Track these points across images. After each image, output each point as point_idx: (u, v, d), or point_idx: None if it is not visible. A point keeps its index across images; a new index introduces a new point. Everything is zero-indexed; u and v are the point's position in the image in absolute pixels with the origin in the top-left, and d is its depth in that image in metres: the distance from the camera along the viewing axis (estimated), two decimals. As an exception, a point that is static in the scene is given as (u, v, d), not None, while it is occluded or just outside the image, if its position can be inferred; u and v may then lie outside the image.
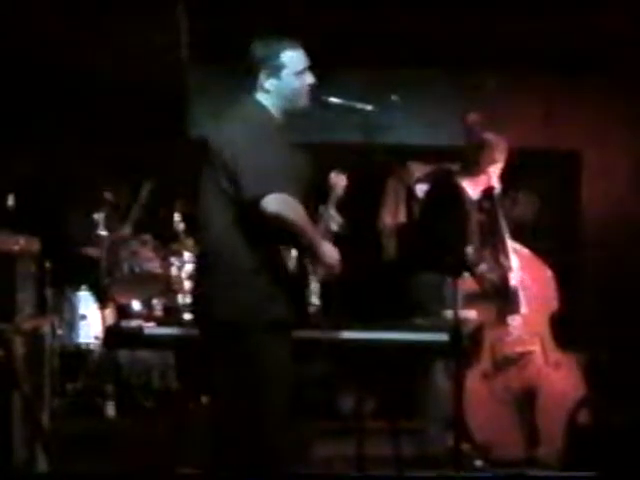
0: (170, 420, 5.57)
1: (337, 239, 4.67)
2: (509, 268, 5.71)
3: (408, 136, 7.45)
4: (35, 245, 5.09)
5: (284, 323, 4.02)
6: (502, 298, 5.69)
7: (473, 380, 5.55)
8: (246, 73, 4.13)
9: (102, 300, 6.44)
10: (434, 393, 5.70)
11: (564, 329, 5.84)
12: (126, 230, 6.60)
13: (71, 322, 6.47)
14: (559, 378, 5.66)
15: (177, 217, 6.41)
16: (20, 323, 4.83)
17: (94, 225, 6.51)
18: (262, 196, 3.89)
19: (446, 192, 5.85)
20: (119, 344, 5.91)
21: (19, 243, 4.91)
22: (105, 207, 6.54)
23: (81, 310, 6.52)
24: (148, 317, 6.20)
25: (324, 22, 6.84)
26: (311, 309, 4.19)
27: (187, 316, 5.47)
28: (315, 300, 4.19)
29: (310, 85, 4.13)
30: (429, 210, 5.87)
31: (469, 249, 5.64)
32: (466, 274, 5.48)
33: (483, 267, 5.71)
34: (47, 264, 5.88)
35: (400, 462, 5.14)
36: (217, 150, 4.04)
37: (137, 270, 6.52)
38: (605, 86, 7.84)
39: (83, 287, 6.55)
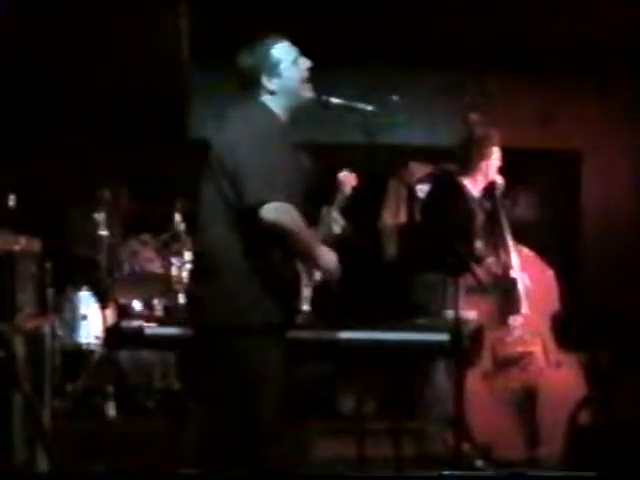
0: (171, 420, 5.58)
1: (339, 241, 4.66)
2: (510, 267, 5.71)
3: (409, 136, 7.45)
4: (36, 245, 5.09)
5: (276, 326, 4.02)
6: (503, 297, 5.69)
7: (474, 380, 5.55)
8: (245, 82, 4.12)
9: (103, 300, 6.45)
10: (435, 393, 5.69)
11: (564, 329, 5.84)
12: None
13: (72, 322, 6.47)
14: (560, 378, 5.66)
15: (177, 217, 6.41)
16: (21, 323, 4.83)
17: (95, 225, 6.52)
18: (261, 204, 3.89)
19: (448, 191, 5.85)
20: (120, 344, 5.91)
21: (20, 243, 4.91)
22: (105, 207, 6.54)
23: (82, 310, 6.52)
24: (149, 317, 6.19)
25: (324, 22, 6.84)
26: (304, 312, 4.17)
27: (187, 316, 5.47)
28: (307, 304, 4.17)
29: (308, 69, 4.13)
30: (431, 210, 5.87)
31: (478, 244, 5.64)
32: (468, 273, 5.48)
33: (489, 260, 5.70)
34: (48, 264, 5.89)
35: (400, 462, 5.14)
36: (218, 154, 4.03)
37: (138, 270, 6.53)
38: (605, 86, 7.85)
39: (84, 287, 6.56)
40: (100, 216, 6.52)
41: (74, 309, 6.50)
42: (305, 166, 4.19)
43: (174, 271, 6.29)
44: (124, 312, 6.46)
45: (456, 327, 4.63)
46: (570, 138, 7.92)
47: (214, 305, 4.04)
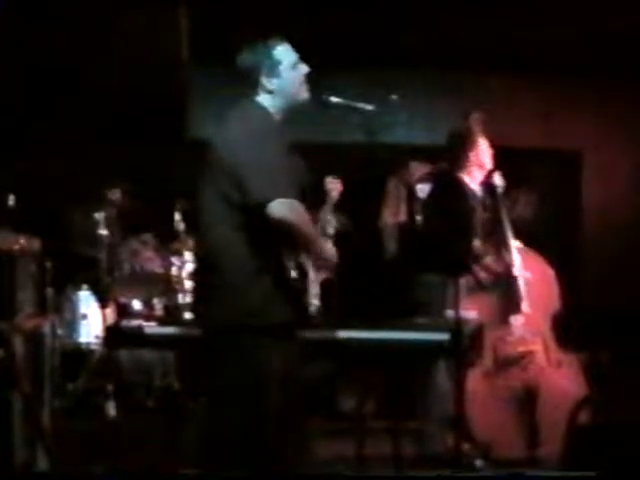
0: (170, 419, 5.58)
1: (336, 240, 4.67)
2: (512, 266, 5.70)
3: (409, 136, 7.45)
4: (36, 244, 5.09)
5: (285, 326, 4.02)
6: (504, 296, 5.69)
7: (475, 379, 5.54)
8: (244, 81, 4.13)
9: (103, 299, 6.45)
10: (435, 393, 5.69)
11: (565, 329, 5.84)
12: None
13: (72, 321, 6.48)
14: (561, 378, 5.65)
15: (177, 217, 6.41)
16: (20, 322, 4.83)
17: (95, 225, 6.52)
18: (268, 201, 3.90)
19: (448, 190, 5.84)
20: (120, 343, 5.91)
21: (20, 242, 4.91)
22: (105, 207, 6.54)
23: (82, 309, 6.53)
24: (149, 317, 6.20)
25: (325, 22, 6.85)
26: (311, 310, 4.18)
27: (188, 315, 5.47)
28: (315, 301, 4.18)
29: (306, 75, 4.14)
30: (431, 209, 5.87)
31: (476, 243, 5.63)
32: (467, 272, 5.48)
33: (488, 260, 5.70)
34: (48, 263, 5.89)
35: (400, 462, 5.14)
36: (218, 155, 4.03)
37: (138, 270, 6.53)
38: (605, 87, 7.85)
39: (84, 286, 6.56)
40: (100, 215, 6.52)
41: (74, 308, 6.51)
42: (300, 166, 4.20)
43: (174, 271, 6.28)
44: (124, 311, 6.47)
45: (456, 327, 4.63)
46: (570, 138, 7.92)
47: (220, 305, 4.03)
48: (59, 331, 6.18)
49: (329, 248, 4.20)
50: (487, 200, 5.85)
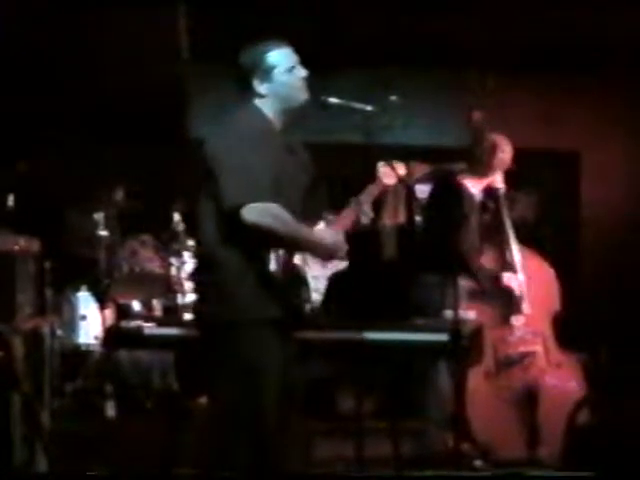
0: (170, 420, 5.57)
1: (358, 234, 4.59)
2: (513, 268, 5.70)
3: (408, 136, 7.45)
4: (35, 245, 5.10)
5: (275, 322, 4.02)
6: (505, 298, 5.69)
7: (475, 380, 5.55)
8: (239, 83, 4.14)
9: (102, 300, 6.44)
10: (435, 393, 5.69)
11: (564, 329, 5.84)
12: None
13: (71, 322, 6.46)
14: (561, 379, 5.65)
15: (176, 217, 6.41)
16: (20, 323, 4.83)
17: (94, 225, 6.51)
18: (241, 206, 3.91)
19: (448, 192, 5.84)
20: (119, 344, 5.90)
21: (19, 243, 4.92)
22: (105, 207, 6.54)
23: (81, 310, 6.51)
24: (148, 317, 6.19)
25: (325, 22, 6.84)
26: (308, 308, 4.16)
27: (187, 316, 5.47)
28: (312, 298, 4.16)
29: (304, 79, 4.14)
30: (432, 211, 5.86)
31: (476, 243, 5.64)
32: (466, 274, 5.48)
33: (482, 266, 5.71)
34: (47, 264, 5.88)
35: (400, 462, 5.14)
36: (206, 156, 4.06)
37: (137, 270, 6.52)
38: (605, 87, 7.85)
39: (83, 287, 6.55)
40: (99, 216, 6.52)
41: (73, 309, 6.49)
42: (303, 168, 4.19)
43: (173, 271, 6.29)
44: (123, 312, 6.45)
45: (455, 327, 4.63)
46: (570, 139, 7.92)
47: (211, 303, 4.05)
48: (58, 332, 6.17)
49: (331, 236, 4.13)
50: (489, 202, 5.85)
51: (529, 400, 5.59)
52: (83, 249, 6.62)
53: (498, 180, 5.84)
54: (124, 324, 5.11)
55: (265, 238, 3.96)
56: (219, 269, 4.02)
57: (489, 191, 5.86)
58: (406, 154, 6.69)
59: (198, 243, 4.36)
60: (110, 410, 6.11)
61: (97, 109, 6.91)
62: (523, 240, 5.88)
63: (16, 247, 4.88)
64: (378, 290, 6.87)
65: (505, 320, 5.69)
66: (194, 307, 4.58)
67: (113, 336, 5.33)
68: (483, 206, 5.86)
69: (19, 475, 4.69)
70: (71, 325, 6.46)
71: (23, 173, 6.47)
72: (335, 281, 4.60)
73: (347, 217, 4.36)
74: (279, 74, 4.09)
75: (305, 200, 4.16)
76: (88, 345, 6.46)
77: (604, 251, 7.78)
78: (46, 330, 5.31)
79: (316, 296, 4.12)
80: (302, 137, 4.32)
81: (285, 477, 4.11)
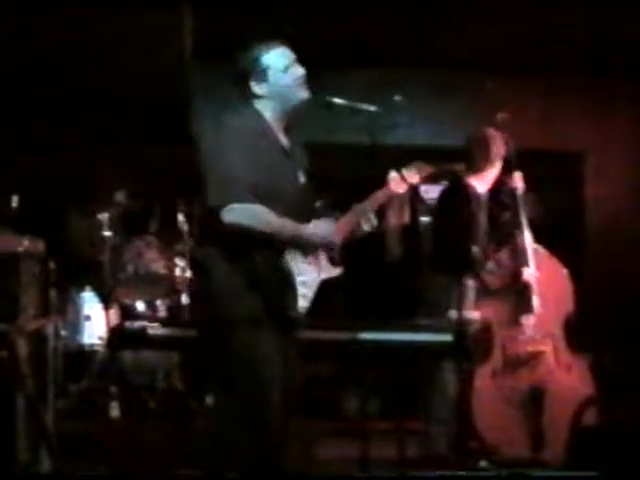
0: (174, 421, 5.58)
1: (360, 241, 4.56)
2: (527, 266, 5.68)
3: (412, 136, 7.45)
4: (39, 246, 5.09)
5: (266, 323, 4.02)
6: (517, 296, 5.67)
7: (482, 378, 5.53)
8: (236, 84, 4.15)
9: (106, 301, 6.44)
10: (440, 393, 5.69)
11: (573, 330, 5.81)
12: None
13: (75, 323, 6.47)
14: (569, 381, 5.61)
15: (181, 218, 6.41)
16: (24, 324, 4.83)
17: (98, 226, 6.52)
18: (220, 206, 3.93)
19: (457, 194, 5.83)
20: (123, 345, 5.93)
21: (23, 244, 4.91)
22: (109, 208, 6.54)
23: (85, 311, 6.51)
24: (152, 318, 6.21)
25: (326, 22, 6.84)
26: (300, 312, 4.14)
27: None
28: (304, 303, 4.14)
29: (302, 77, 4.14)
30: (441, 213, 5.85)
31: (474, 248, 5.62)
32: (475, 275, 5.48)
33: (490, 266, 5.69)
34: (51, 265, 5.88)
35: (404, 463, 5.13)
36: (199, 155, 4.08)
37: (141, 271, 6.53)
38: (606, 87, 7.85)
39: (87, 288, 6.55)
40: (103, 217, 6.52)
41: (77, 310, 6.50)
42: (297, 169, 4.20)
43: (177, 272, 6.29)
44: (127, 313, 6.46)
45: (460, 327, 4.63)
46: (572, 139, 7.92)
47: (204, 301, 4.08)
48: (62, 332, 6.17)
49: (320, 228, 4.10)
50: (505, 200, 5.83)
51: (535, 400, 5.57)
52: (87, 250, 6.62)
53: (517, 179, 5.83)
54: (128, 324, 5.13)
55: (247, 238, 3.97)
56: (210, 269, 4.03)
57: (508, 192, 5.84)
58: (410, 154, 6.70)
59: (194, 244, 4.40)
60: (114, 410, 6.12)
61: (101, 109, 6.92)
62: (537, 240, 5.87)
63: (20, 248, 4.88)
64: (382, 290, 6.88)
65: (516, 319, 5.67)
66: (189, 307, 4.59)
67: (117, 336, 5.34)
68: (499, 203, 5.85)
69: (23, 475, 4.69)
70: (75, 325, 6.47)
71: (26, 174, 6.48)
72: (339, 282, 4.59)
73: (346, 223, 4.33)
74: (274, 74, 4.10)
75: (301, 201, 4.17)
76: (92, 345, 6.46)
77: (606, 251, 7.77)
78: (50, 330, 5.31)
79: (303, 302, 4.10)
80: (306, 137, 4.32)
81: (287, 477, 4.11)
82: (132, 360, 6.40)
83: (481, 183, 5.88)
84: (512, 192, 5.81)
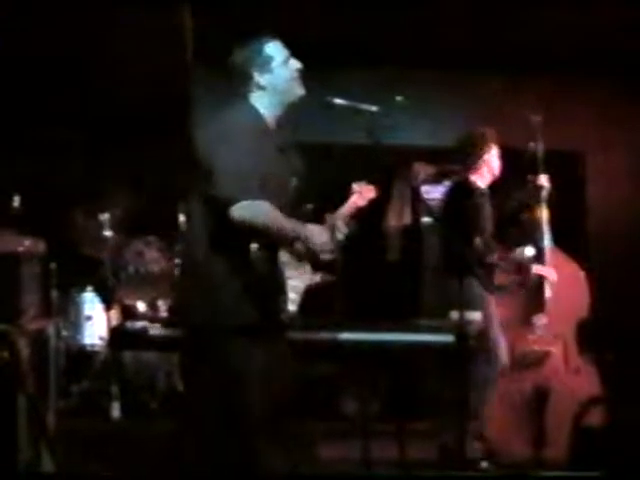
0: (175, 421, 5.57)
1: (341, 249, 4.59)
2: (542, 263, 5.67)
3: (413, 137, 7.45)
4: (40, 246, 5.09)
5: (259, 326, 4.01)
6: (530, 295, 5.66)
7: None
8: (236, 77, 4.14)
9: (107, 301, 6.45)
10: (442, 393, 5.69)
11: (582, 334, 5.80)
12: None
13: (76, 323, 6.47)
14: (577, 384, 5.60)
15: (181, 218, 6.41)
16: (25, 324, 4.83)
17: (99, 226, 6.52)
18: (231, 203, 3.91)
19: (463, 192, 5.82)
20: (124, 345, 5.92)
21: (24, 244, 4.92)
22: (110, 208, 6.55)
23: (86, 311, 6.52)
24: (153, 318, 6.20)
25: (327, 23, 6.85)
26: (287, 315, 4.13)
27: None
28: (292, 307, 4.14)
29: (299, 71, 4.14)
30: (448, 214, 5.84)
31: (477, 241, 5.61)
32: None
33: (503, 264, 5.68)
34: (52, 265, 5.89)
35: (405, 464, 5.13)
36: (199, 153, 4.06)
37: (142, 271, 6.53)
38: (607, 87, 7.85)
39: (88, 288, 6.56)
40: (104, 217, 6.53)
41: (78, 310, 6.50)
42: (293, 168, 4.20)
43: (178, 272, 6.29)
44: (128, 313, 6.47)
45: (461, 328, 4.62)
46: (573, 139, 7.92)
47: (196, 306, 4.05)
48: (64, 333, 6.18)
49: (319, 232, 4.05)
50: (527, 197, 5.82)
51: (539, 400, 5.56)
52: (88, 250, 6.63)
53: (543, 179, 5.84)
54: (129, 325, 5.12)
55: (255, 235, 3.96)
56: (203, 271, 4.01)
57: (534, 192, 5.84)
58: (410, 155, 6.71)
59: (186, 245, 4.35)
60: (115, 411, 6.12)
61: (102, 109, 6.92)
62: (525, 240, 5.87)
63: (21, 248, 4.88)
64: (382, 290, 6.87)
65: (526, 318, 5.67)
66: (178, 310, 4.57)
67: (118, 337, 5.34)
68: (521, 203, 5.86)
69: (24, 475, 4.69)
70: (76, 326, 6.47)
71: (28, 174, 6.48)
72: (338, 282, 4.60)
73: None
74: (277, 66, 4.10)
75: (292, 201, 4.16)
76: (93, 346, 6.46)
77: (607, 252, 7.77)
78: (51, 331, 5.31)
79: (291, 307, 4.10)
80: (306, 138, 4.33)
81: (287, 478, 4.11)
82: (133, 360, 6.40)
83: (481, 179, 5.86)
84: (537, 191, 5.81)
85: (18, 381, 4.65)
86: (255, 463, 3.97)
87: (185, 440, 4.18)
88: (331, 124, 6.00)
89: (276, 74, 4.11)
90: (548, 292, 5.67)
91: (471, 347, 4.75)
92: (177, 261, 6.25)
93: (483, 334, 5.26)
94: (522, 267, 5.68)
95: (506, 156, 5.93)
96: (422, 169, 6.78)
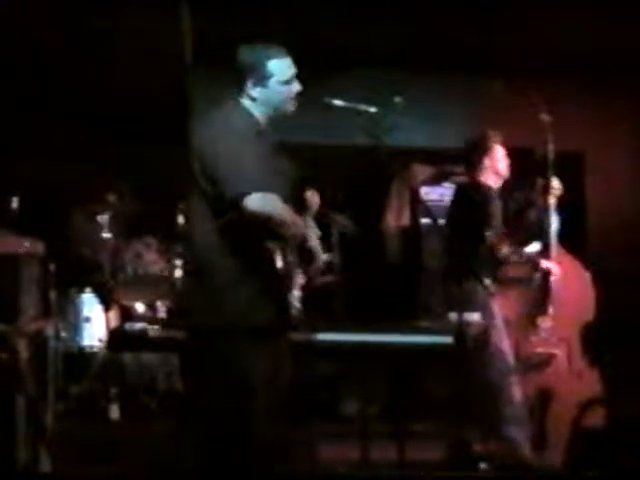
0: (174, 422, 5.57)
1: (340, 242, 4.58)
2: (549, 267, 5.66)
3: (412, 138, 7.45)
4: (39, 247, 5.10)
5: (271, 328, 4.01)
6: (535, 297, 5.65)
7: None
8: (233, 78, 4.13)
9: (106, 302, 6.45)
10: (444, 395, 5.68)
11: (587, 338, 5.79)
12: None
13: (75, 324, 6.46)
14: (579, 388, 5.58)
15: (180, 219, 6.41)
16: (24, 325, 4.84)
17: (98, 227, 6.52)
18: (243, 195, 3.90)
19: (474, 192, 5.81)
20: (123, 346, 5.92)
21: (23, 245, 4.92)
22: (109, 209, 6.55)
23: (85, 312, 6.51)
24: (152, 319, 6.20)
25: (328, 23, 6.84)
26: (296, 313, 4.13)
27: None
28: (297, 304, 4.14)
29: (297, 93, 4.11)
30: (457, 213, 5.83)
31: (489, 234, 5.58)
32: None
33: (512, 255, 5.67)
34: (51, 266, 5.89)
35: (404, 465, 5.13)
36: (198, 152, 4.04)
37: (141, 272, 6.53)
38: (608, 87, 7.85)
39: (87, 289, 6.55)
40: (103, 218, 6.53)
41: (77, 311, 6.49)
42: (285, 169, 4.20)
43: (177, 273, 6.29)
44: (127, 314, 6.46)
45: (460, 330, 4.62)
46: (573, 139, 7.91)
47: (205, 308, 4.04)
48: (62, 334, 6.17)
49: (314, 240, 4.11)
50: (534, 196, 5.81)
51: (541, 402, 5.55)
52: (87, 251, 6.63)
53: (555, 182, 5.83)
54: (128, 326, 5.12)
55: (263, 230, 3.96)
56: (211, 273, 3.99)
57: (542, 194, 5.83)
58: (409, 156, 6.71)
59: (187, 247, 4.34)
60: (114, 412, 6.12)
61: (101, 110, 6.92)
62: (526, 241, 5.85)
63: (21, 249, 4.88)
64: (383, 292, 6.87)
65: (532, 320, 5.66)
66: (182, 312, 4.56)
67: (117, 338, 5.33)
68: (528, 202, 5.85)
69: (23, 476, 4.69)
70: (75, 327, 6.46)
71: (26, 176, 6.48)
72: (340, 284, 4.60)
73: None
74: (276, 83, 4.06)
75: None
76: (92, 347, 6.46)
77: (607, 252, 7.77)
78: (50, 332, 5.31)
79: (296, 301, 4.09)
80: (306, 138, 4.32)
81: (287, 478, 4.11)
82: (132, 361, 6.40)
83: (489, 179, 5.83)
84: (548, 194, 5.80)
85: (17, 382, 4.65)
86: (255, 463, 3.97)
87: (185, 441, 4.19)
88: (330, 125, 6.02)
89: (271, 90, 4.06)
90: (554, 296, 5.65)
91: (470, 348, 4.74)
92: (176, 262, 6.25)
93: (483, 335, 5.26)
94: (532, 260, 5.67)
95: (510, 157, 5.93)
96: (421, 170, 6.78)
